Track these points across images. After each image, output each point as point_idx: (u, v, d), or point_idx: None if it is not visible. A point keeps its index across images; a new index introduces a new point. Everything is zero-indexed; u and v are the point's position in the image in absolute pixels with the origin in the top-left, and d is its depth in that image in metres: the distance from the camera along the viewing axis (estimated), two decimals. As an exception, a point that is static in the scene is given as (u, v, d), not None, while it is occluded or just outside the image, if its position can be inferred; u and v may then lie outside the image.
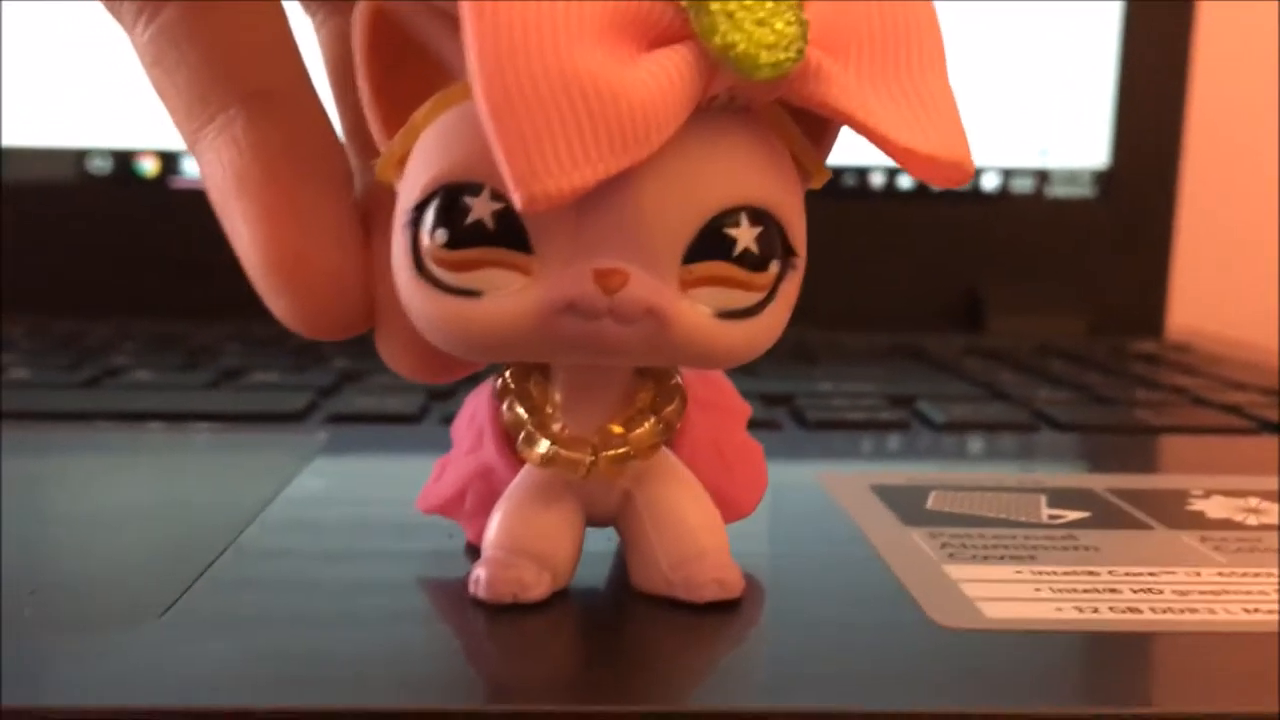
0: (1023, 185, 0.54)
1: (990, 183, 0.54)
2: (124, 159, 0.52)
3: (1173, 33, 0.54)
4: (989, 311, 0.54)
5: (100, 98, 0.51)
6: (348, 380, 0.37)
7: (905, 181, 0.54)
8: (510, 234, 0.16)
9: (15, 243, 0.52)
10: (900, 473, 0.26)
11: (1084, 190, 0.55)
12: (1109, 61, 0.54)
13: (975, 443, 0.31)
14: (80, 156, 0.52)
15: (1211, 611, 0.18)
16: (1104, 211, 0.55)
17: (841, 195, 0.53)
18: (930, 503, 0.24)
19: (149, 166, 0.53)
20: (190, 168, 0.52)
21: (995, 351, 0.47)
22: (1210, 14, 0.55)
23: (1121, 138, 0.54)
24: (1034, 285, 0.54)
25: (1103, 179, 0.55)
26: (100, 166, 0.53)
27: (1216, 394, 0.38)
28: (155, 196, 0.52)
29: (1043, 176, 0.54)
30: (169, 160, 0.52)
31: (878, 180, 0.54)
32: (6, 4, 0.50)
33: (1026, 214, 0.54)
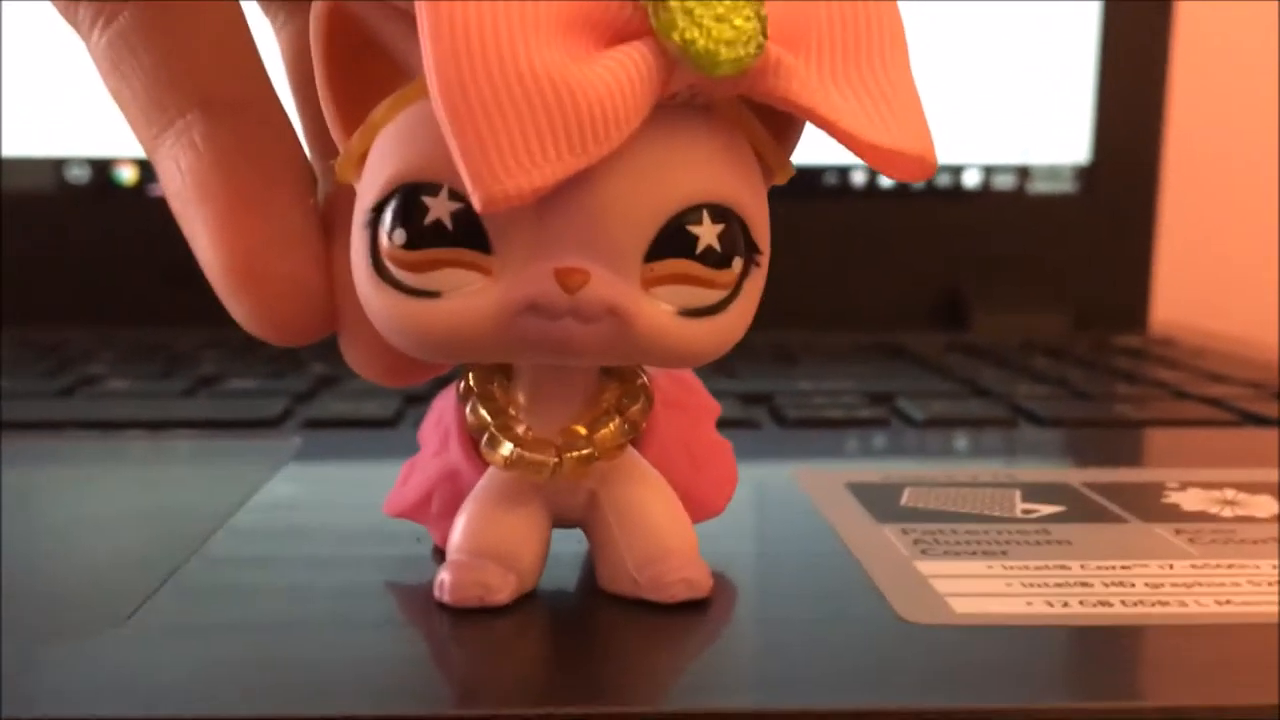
0: (1004, 182, 0.54)
1: (971, 180, 0.54)
2: (102, 167, 0.52)
3: (1152, 27, 0.54)
4: (972, 309, 0.53)
5: (78, 107, 0.51)
6: (324, 385, 0.37)
7: (887, 180, 0.53)
8: (469, 234, 0.16)
9: (-6, 253, 0.51)
10: (876, 470, 0.26)
11: (1065, 186, 0.55)
12: (1089, 57, 0.54)
13: (954, 439, 0.31)
14: (58, 165, 0.52)
15: (1183, 604, 0.18)
16: (1086, 207, 0.55)
17: (823, 194, 0.53)
18: (904, 499, 0.24)
19: (127, 175, 0.52)
20: (169, 175, 0.51)
21: (977, 348, 0.47)
22: (1189, 9, 0.55)
23: (1102, 133, 0.54)
24: (1016, 282, 0.54)
25: (1084, 174, 0.55)
26: (78, 175, 0.52)
27: (1198, 387, 0.38)
28: (134, 204, 0.52)
29: (1024, 173, 0.54)
30: (147, 168, 0.52)
31: (859, 179, 0.53)
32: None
33: (1008, 210, 0.54)
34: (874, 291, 0.54)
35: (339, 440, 0.30)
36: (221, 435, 0.31)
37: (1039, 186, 0.55)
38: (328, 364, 0.40)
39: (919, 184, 0.54)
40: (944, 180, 0.54)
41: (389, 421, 0.32)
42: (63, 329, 0.49)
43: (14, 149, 0.52)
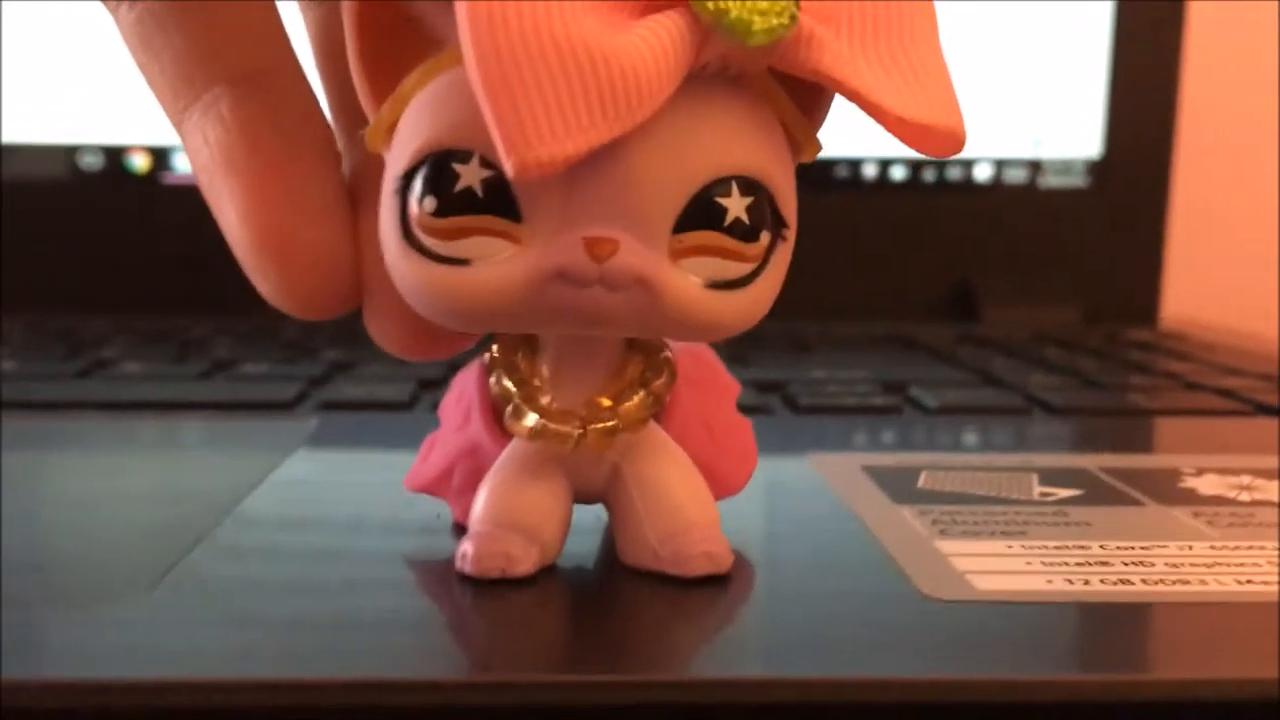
0: (1016, 176, 0.54)
1: (983, 173, 0.54)
2: (115, 155, 0.52)
3: (1165, 22, 0.54)
4: (983, 302, 0.53)
5: (91, 94, 0.51)
6: (338, 370, 0.37)
7: (898, 173, 0.54)
8: (500, 202, 0.16)
9: (7, 239, 0.51)
10: (892, 455, 0.26)
11: (1077, 180, 0.55)
12: (1101, 51, 0.54)
13: (968, 426, 0.31)
14: (71, 153, 0.52)
15: (1203, 583, 0.18)
16: (1097, 201, 0.55)
17: (834, 187, 0.53)
18: (921, 482, 0.24)
19: (140, 162, 0.52)
20: (181, 163, 0.51)
21: (989, 340, 0.47)
22: (1201, 4, 0.55)
23: (1114, 127, 0.54)
24: (1028, 275, 0.54)
25: (1096, 169, 0.55)
26: (91, 163, 0.52)
27: (1210, 379, 0.38)
28: (146, 192, 0.52)
29: (1036, 167, 0.54)
30: (160, 156, 0.52)
31: (870, 172, 0.53)
32: (-4, 0, 0.50)
33: (1020, 204, 0.54)
34: (885, 283, 0.54)
35: (354, 423, 0.30)
36: (237, 418, 0.31)
37: (1050, 180, 0.55)
38: (341, 349, 0.40)
39: (931, 177, 0.54)
40: (955, 174, 0.54)
41: (404, 405, 0.32)
42: (75, 315, 0.49)
43: (27, 136, 0.52)
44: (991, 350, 0.44)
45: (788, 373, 0.37)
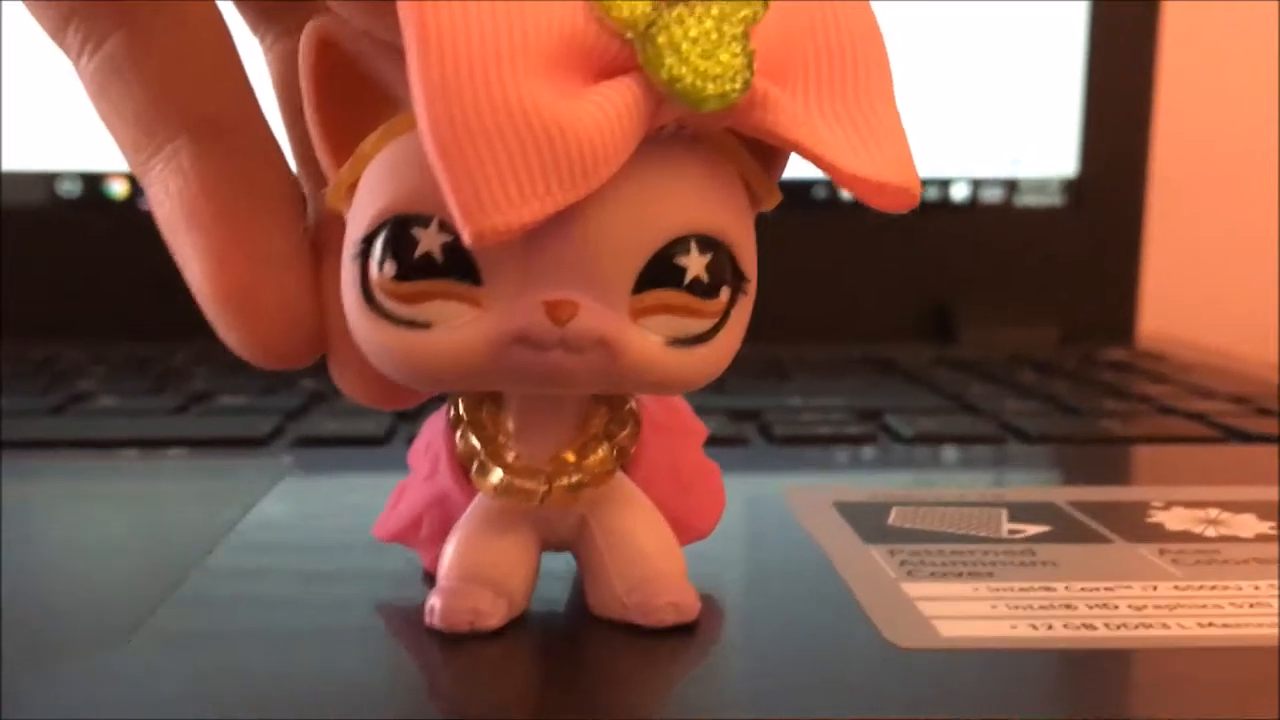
0: (992, 195, 0.55)
1: (959, 193, 0.55)
2: (93, 181, 0.52)
3: (1139, 39, 0.55)
4: (960, 323, 0.54)
5: (69, 121, 0.51)
6: (316, 401, 0.37)
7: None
8: (459, 266, 0.16)
9: (-15, 266, 0.51)
10: (865, 488, 0.26)
11: (1053, 199, 0.55)
12: (1076, 70, 0.54)
13: (942, 456, 0.32)
14: (50, 179, 0.52)
15: (1165, 626, 0.18)
16: (1073, 220, 0.55)
17: (811, 207, 0.53)
18: (891, 519, 0.24)
19: (118, 189, 0.52)
20: (160, 189, 0.51)
21: (966, 363, 0.47)
22: (1175, 21, 0.55)
23: (1089, 146, 0.55)
24: (1005, 295, 0.54)
25: (1071, 188, 0.55)
26: (70, 189, 0.52)
27: (1184, 402, 0.38)
28: (125, 218, 0.52)
29: (1012, 186, 0.55)
30: (138, 183, 0.52)
31: (847, 193, 0.54)
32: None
33: (996, 224, 0.55)
34: (863, 305, 0.54)
35: (331, 458, 0.30)
36: (214, 454, 0.31)
37: (1026, 200, 0.55)
38: (318, 381, 0.40)
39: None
40: (932, 194, 0.54)
41: (380, 440, 0.32)
42: (54, 342, 0.49)
43: (6, 163, 0.52)
44: (968, 374, 0.44)
45: (764, 400, 0.37)
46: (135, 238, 0.52)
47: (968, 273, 0.54)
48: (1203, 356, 0.49)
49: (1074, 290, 0.55)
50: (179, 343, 0.48)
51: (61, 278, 0.52)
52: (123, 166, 0.52)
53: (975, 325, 0.53)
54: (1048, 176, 0.55)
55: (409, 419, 0.34)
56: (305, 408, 0.36)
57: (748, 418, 0.35)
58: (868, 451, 0.32)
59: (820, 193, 0.54)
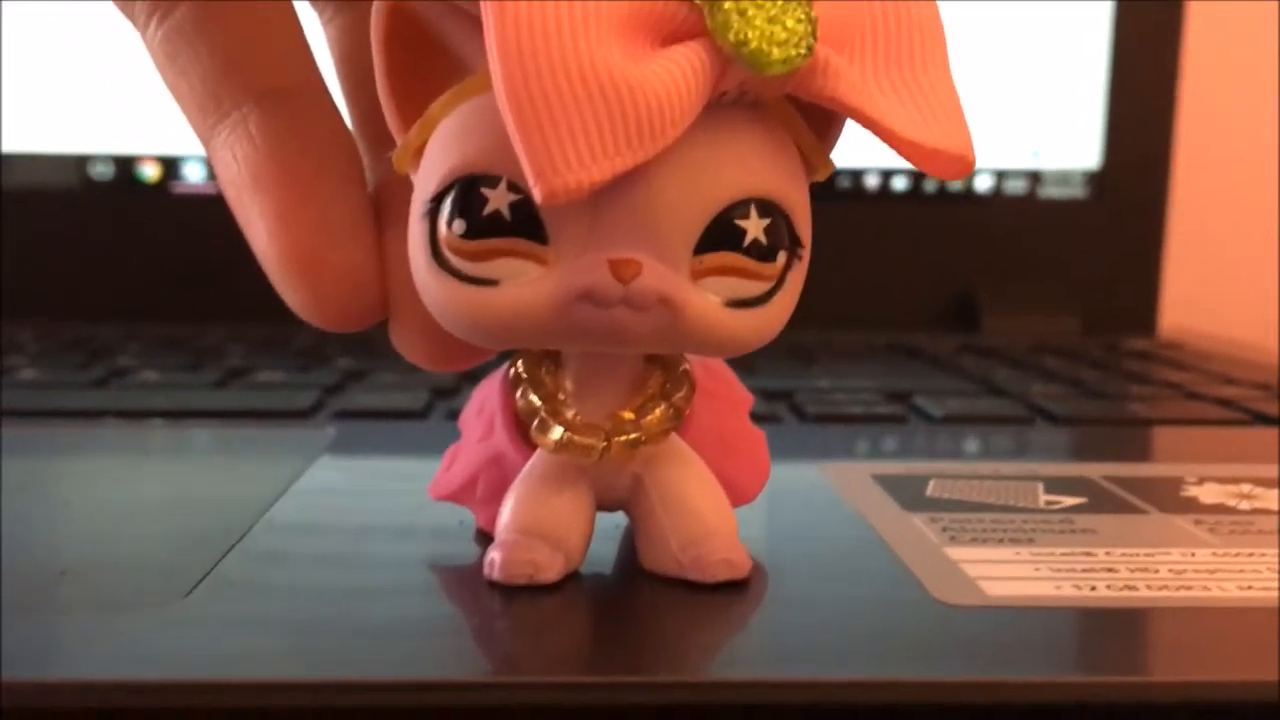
0: (1015, 187, 0.55)
1: (983, 184, 0.55)
2: (125, 164, 0.53)
3: (1163, 33, 0.55)
4: (983, 312, 0.54)
5: (102, 104, 0.52)
6: (352, 379, 0.37)
7: (900, 183, 0.54)
8: (527, 224, 0.17)
9: (19, 248, 0.52)
10: (900, 463, 0.27)
11: (1076, 191, 0.55)
12: (1100, 62, 0.55)
13: (972, 435, 0.32)
14: (82, 162, 0.53)
15: (1206, 589, 0.19)
16: (1096, 212, 0.55)
17: (837, 197, 0.54)
18: (930, 490, 0.25)
19: (150, 172, 0.53)
20: (191, 173, 0.52)
21: (990, 350, 0.48)
22: (1200, 14, 0.56)
23: (1113, 139, 0.55)
24: (1027, 285, 0.55)
25: (1094, 180, 0.55)
26: (102, 172, 0.53)
27: (1209, 388, 0.38)
28: (157, 201, 0.53)
29: (1035, 178, 0.55)
30: (170, 165, 0.53)
31: (872, 182, 0.54)
32: (7, 9, 0.51)
33: (1019, 215, 0.55)
34: (887, 293, 0.54)
35: (372, 431, 0.31)
36: (254, 426, 0.31)
37: (1050, 191, 0.55)
38: (354, 358, 0.41)
39: (932, 188, 0.54)
40: (956, 185, 0.55)
41: (420, 413, 0.32)
42: (86, 324, 0.50)
43: (39, 146, 0.53)
44: (993, 360, 0.45)
45: (794, 382, 0.38)
46: (166, 221, 0.53)
47: (991, 263, 0.55)
48: (1224, 348, 0.50)
49: (1096, 282, 0.55)
50: (209, 324, 0.48)
51: (93, 260, 0.53)
52: (154, 149, 0.52)
53: (998, 315, 0.54)
54: (1071, 169, 0.55)
55: (447, 395, 0.34)
56: (342, 384, 0.36)
57: (780, 397, 0.35)
58: (899, 431, 0.32)
59: (845, 183, 0.54)
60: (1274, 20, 0.62)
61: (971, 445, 0.31)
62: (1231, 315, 0.60)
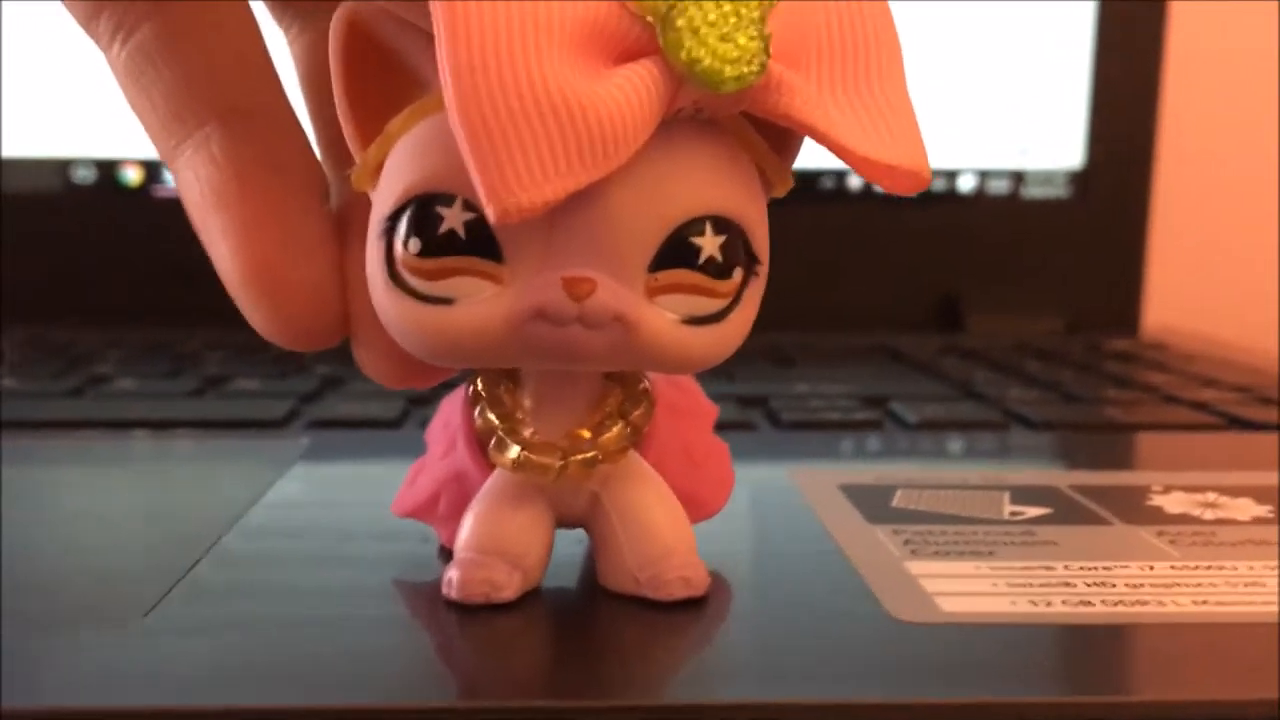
0: (998, 186, 0.55)
1: (966, 184, 0.55)
2: (107, 168, 0.53)
3: (1146, 33, 0.55)
4: (966, 312, 0.54)
5: (83, 108, 0.52)
6: (329, 386, 0.37)
7: (882, 184, 0.54)
8: (482, 243, 0.17)
9: (1, 252, 0.52)
10: (870, 471, 0.27)
11: (1059, 191, 0.55)
12: (1083, 62, 0.55)
13: (946, 442, 0.32)
14: (64, 166, 0.53)
15: (1161, 604, 0.19)
16: (1079, 212, 0.56)
17: (819, 198, 0.54)
18: (895, 500, 0.25)
19: (132, 176, 0.53)
20: (172, 177, 0.52)
21: (972, 351, 0.48)
22: (1182, 14, 0.56)
23: (1096, 138, 0.55)
24: (1011, 285, 0.55)
25: (1078, 179, 0.55)
26: (84, 176, 0.53)
27: (1187, 391, 0.38)
28: (138, 205, 0.53)
29: (1018, 177, 0.55)
30: (152, 169, 0.53)
31: (855, 183, 0.54)
32: (-11, 15, 0.51)
33: (1002, 215, 0.55)
34: (870, 294, 0.55)
35: (345, 441, 0.31)
36: (229, 436, 0.31)
37: (1033, 191, 0.55)
38: (332, 365, 0.41)
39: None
40: (939, 185, 0.55)
41: (394, 423, 0.32)
42: (68, 329, 0.50)
43: (20, 150, 0.53)
44: (974, 362, 0.45)
45: (771, 387, 0.38)
46: (148, 224, 0.53)
47: (974, 263, 0.55)
48: (1206, 348, 0.50)
49: (1079, 281, 0.55)
50: (191, 329, 0.48)
51: (75, 264, 0.53)
52: (136, 153, 0.52)
53: (982, 315, 0.54)
54: (1054, 168, 0.55)
55: (421, 404, 0.34)
56: (319, 392, 0.37)
57: (755, 404, 0.35)
58: (873, 437, 0.32)
59: (828, 183, 0.54)
60: (1256, 20, 0.62)
61: (943, 452, 0.31)
62: (1215, 314, 0.60)
